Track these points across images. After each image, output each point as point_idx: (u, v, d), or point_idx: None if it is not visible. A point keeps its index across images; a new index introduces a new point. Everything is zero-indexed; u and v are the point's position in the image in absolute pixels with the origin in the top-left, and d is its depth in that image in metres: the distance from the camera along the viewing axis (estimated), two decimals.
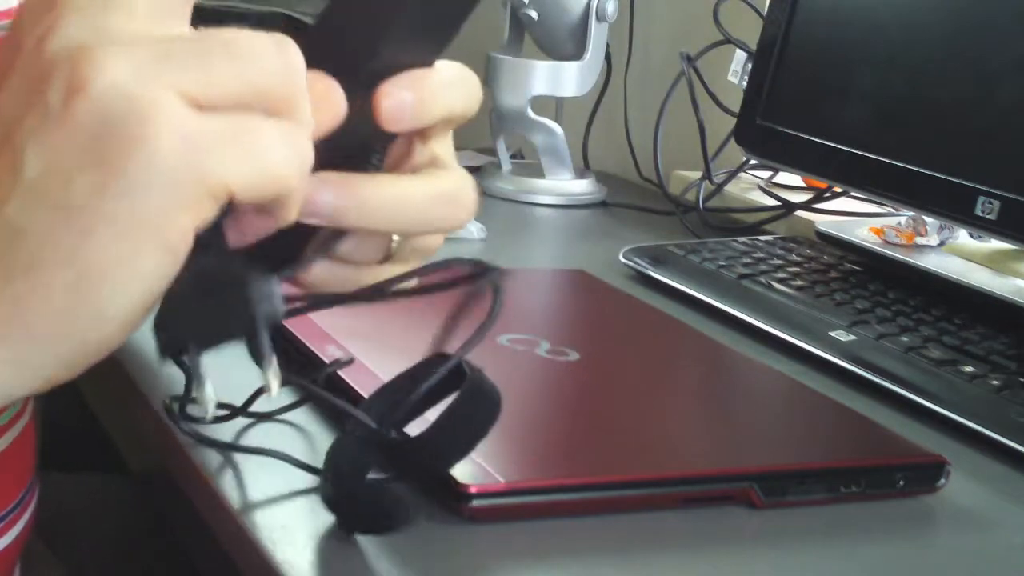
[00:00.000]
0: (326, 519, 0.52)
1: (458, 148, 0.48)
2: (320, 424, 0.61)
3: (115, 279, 0.36)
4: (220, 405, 0.53)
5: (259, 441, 0.57)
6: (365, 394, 0.59)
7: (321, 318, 0.66)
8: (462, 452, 0.49)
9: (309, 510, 0.53)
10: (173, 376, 0.64)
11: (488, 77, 1.23)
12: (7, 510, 0.64)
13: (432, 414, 0.48)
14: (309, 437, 0.59)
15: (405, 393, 0.49)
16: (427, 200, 0.44)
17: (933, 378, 0.74)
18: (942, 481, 0.61)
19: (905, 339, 0.79)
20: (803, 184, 1.23)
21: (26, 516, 0.67)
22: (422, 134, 0.45)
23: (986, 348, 0.78)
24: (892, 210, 1.06)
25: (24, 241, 0.36)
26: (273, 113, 0.38)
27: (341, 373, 0.61)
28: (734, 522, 0.56)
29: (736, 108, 1.07)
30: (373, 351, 0.63)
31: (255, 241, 0.41)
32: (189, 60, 0.36)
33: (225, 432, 0.58)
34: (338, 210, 0.42)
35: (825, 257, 0.98)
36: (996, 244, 0.93)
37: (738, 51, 1.20)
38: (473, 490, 0.51)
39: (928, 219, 0.95)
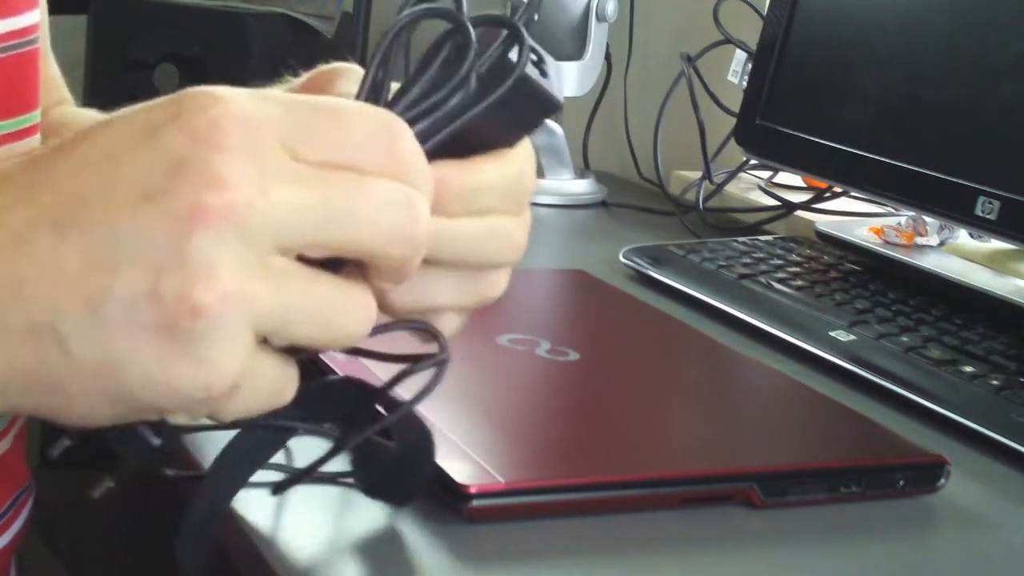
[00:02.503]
0: (326, 519, 0.52)
1: None
2: None
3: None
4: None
5: None
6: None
7: None
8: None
9: (309, 510, 0.53)
10: None
11: None
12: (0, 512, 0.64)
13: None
14: None
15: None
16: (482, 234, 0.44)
17: (933, 378, 0.74)
18: (942, 481, 0.61)
19: (905, 339, 0.79)
20: (803, 184, 1.23)
21: (20, 520, 0.67)
22: None
23: (986, 348, 0.78)
24: (892, 210, 1.06)
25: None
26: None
27: (339, 371, 0.61)
28: (734, 522, 0.56)
29: (736, 108, 1.07)
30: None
31: None
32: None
33: None
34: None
35: (825, 257, 0.98)
36: (996, 244, 0.93)
37: (738, 51, 1.20)
38: (473, 490, 0.51)
39: (928, 219, 0.95)
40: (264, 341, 0.38)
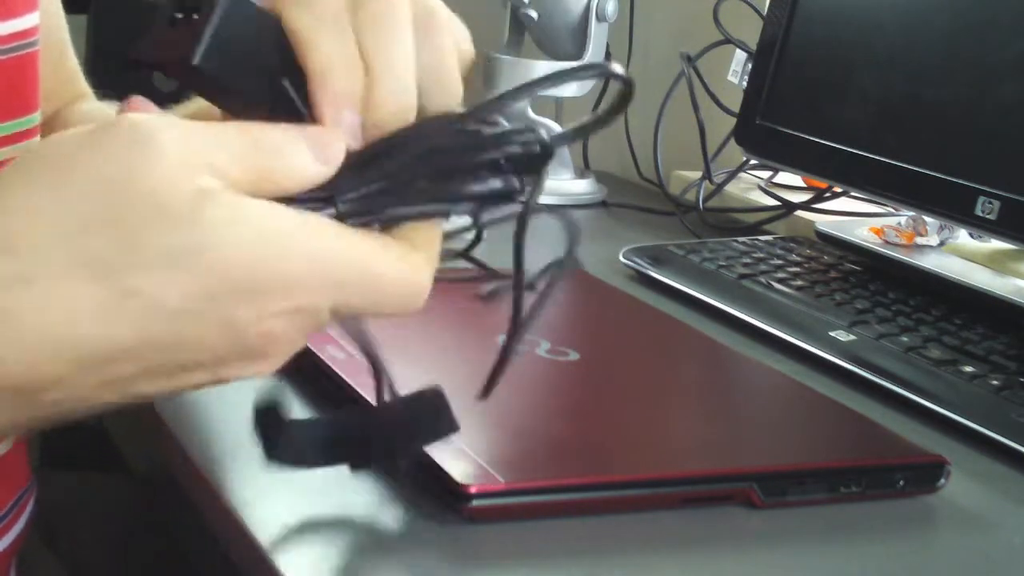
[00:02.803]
0: (326, 519, 0.52)
1: None
2: None
3: None
4: None
5: None
6: (363, 392, 0.59)
7: None
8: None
9: (309, 510, 0.53)
10: None
11: (488, 77, 1.23)
12: (2, 514, 0.64)
13: None
14: None
15: None
16: None
17: (933, 378, 0.74)
18: (942, 481, 0.61)
19: (905, 339, 0.79)
20: (803, 184, 1.23)
21: (22, 520, 0.67)
22: None
23: (986, 348, 0.78)
24: (892, 210, 1.06)
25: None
26: None
27: (340, 371, 0.61)
28: (734, 522, 0.56)
29: (736, 108, 1.07)
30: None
31: None
32: None
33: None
34: None
35: (825, 257, 0.98)
36: (996, 244, 0.93)
37: (738, 51, 1.20)
38: (473, 490, 0.51)
39: (928, 219, 0.95)
40: None
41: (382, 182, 0.44)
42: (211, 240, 0.39)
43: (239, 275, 0.39)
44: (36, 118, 0.64)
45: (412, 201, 0.45)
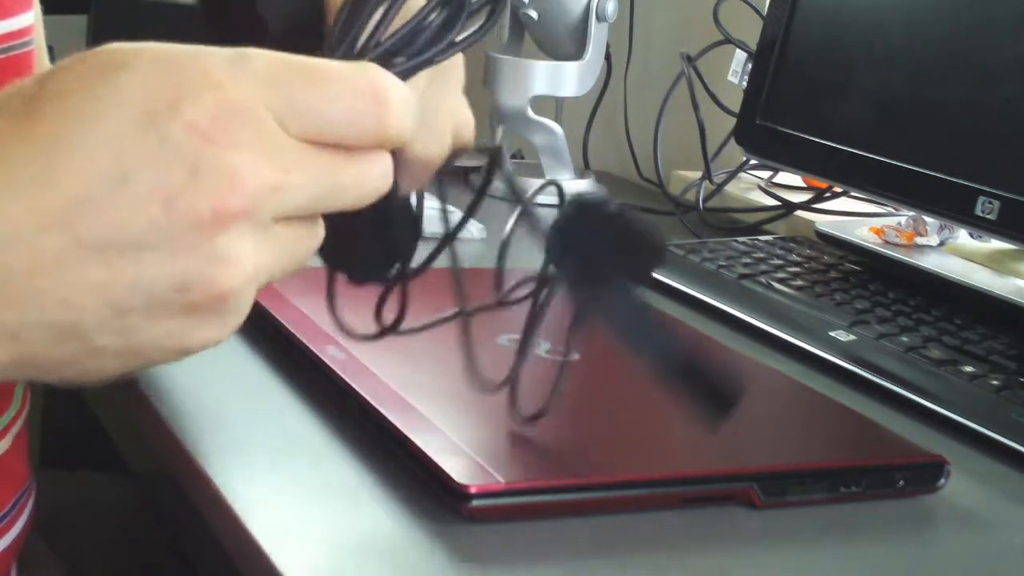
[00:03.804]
0: (326, 520, 0.52)
1: None
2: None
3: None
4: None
5: None
6: (365, 394, 0.59)
7: (321, 317, 0.66)
8: None
9: (309, 510, 0.53)
10: (172, 373, 0.64)
11: (488, 77, 1.23)
12: (2, 514, 0.64)
13: None
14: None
15: None
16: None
17: (933, 378, 0.74)
18: (942, 481, 0.61)
19: (905, 339, 0.79)
20: (803, 184, 1.23)
21: (22, 520, 0.66)
22: None
23: (986, 348, 0.78)
24: (892, 210, 1.06)
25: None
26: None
27: (340, 372, 0.61)
28: (734, 522, 0.56)
29: (736, 108, 1.07)
30: (373, 351, 0.64)
31: None
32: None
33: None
34: None
35: (825, 257, 0.98)
36: (996, 244, 0.93)
37: (738, 51, 1.20)
38: (473, 490, 0.51)
39: (928, 219, 0.95)
40: None
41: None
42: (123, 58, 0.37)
43: (151, 80, 0.37)
44: None
45: None
